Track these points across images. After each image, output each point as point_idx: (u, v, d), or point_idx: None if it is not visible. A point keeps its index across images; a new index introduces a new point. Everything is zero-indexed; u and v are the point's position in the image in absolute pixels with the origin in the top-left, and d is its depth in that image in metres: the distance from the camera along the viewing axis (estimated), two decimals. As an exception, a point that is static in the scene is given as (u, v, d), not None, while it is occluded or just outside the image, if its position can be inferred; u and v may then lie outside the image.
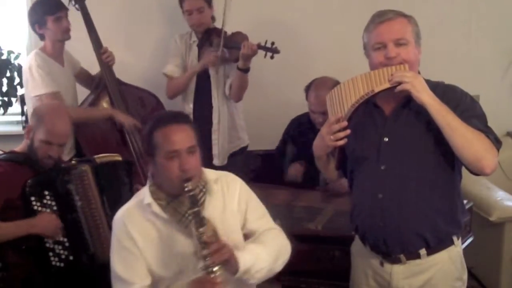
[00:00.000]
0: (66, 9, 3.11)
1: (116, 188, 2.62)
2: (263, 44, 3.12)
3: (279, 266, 1.97)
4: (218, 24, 3.34)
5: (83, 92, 3.39)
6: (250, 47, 3.09)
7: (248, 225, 2.01)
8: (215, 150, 3.34)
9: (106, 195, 2.55)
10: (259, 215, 2.05)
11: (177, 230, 1.91)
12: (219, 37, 3.23)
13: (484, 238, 3.14)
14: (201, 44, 3.35)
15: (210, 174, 2.01)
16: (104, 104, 3.30)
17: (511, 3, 3.95)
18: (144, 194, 1.95)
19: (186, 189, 1.80)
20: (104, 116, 3.23)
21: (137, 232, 1.91)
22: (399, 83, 1.87)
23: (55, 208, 2.46)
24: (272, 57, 3.14)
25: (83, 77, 3.39)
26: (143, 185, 2.94)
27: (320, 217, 2.68)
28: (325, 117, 2.88)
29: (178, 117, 1.92)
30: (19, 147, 2.61)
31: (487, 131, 1.89)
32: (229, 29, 3.29)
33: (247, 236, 2.02)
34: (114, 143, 3.20)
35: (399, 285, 2.02)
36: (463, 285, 2.08)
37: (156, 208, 1.90)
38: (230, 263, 1.81)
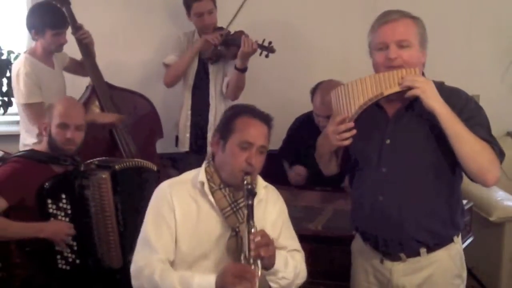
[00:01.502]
0: (68, 26, 3.05)
1: (133, 194, 2.55)
2: (260, 42, 3.14)
3: (294, 285, 2.01)
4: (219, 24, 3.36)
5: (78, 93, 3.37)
6: (251, 45, 3.09)
7: (281, 241, 2.03)
8: (209, 148, 3.34)
9: (121, 202, 2.51)
10: (291, 234, 2.10)
11: (216, 215, 1.94)
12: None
13: (484, 238, 3.14)
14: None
15: (261, 180, 2.05)
16: (95, 108, 3.25)
17: (511, 3, 3.95)
18: (195, 173, 1.99)
19: (245, 181, 1.87)
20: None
21: (179, 204, 1.93)
22: (410, 88, 1.83)
23: (69, 212, 2.43)
24: (267, 56, 3.16)
25: (74, 66, 3.32)
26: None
27: (320, 217, 2.69)
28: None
29: (264, 116, 1.97)
30: (39, 146, 2.59)
31: (492, 142, 1.86)
32: (232, 29, 3.32)
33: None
34: (105, 145, 3.17)
35: (399, 282, 2.02)
36: (462, 282, 2.07)
37: (207, 189, 1.94)
38: (270, 258, 1.85)
